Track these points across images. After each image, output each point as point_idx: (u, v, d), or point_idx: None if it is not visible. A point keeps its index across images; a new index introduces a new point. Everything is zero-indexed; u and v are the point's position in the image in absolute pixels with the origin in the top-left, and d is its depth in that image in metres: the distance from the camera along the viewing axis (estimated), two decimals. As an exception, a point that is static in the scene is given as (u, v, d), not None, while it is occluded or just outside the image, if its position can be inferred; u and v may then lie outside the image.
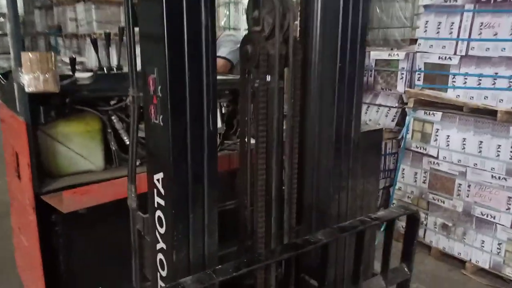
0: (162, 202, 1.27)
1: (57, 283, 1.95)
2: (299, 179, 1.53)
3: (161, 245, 1.30)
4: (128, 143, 2.19)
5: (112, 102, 2.23)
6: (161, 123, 1.22)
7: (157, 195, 1.29)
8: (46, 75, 1.87)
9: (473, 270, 3.08)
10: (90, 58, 6.62)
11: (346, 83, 1.53)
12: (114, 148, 2.17)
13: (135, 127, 1.45)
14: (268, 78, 1.38)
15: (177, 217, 1.24)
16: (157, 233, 1.32)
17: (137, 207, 1.45)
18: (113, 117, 2.20)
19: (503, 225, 2.88)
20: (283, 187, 1.50)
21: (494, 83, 3.01)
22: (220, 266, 1.17)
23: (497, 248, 2.91)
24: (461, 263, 3.16)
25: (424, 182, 3.39)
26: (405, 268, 1.71)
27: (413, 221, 1.61)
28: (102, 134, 2.12)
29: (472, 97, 3.13)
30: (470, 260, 3.09)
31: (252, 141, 1.50)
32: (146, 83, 1.26)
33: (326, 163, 1.54)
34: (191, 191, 1.25)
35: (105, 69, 2.47)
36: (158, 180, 1.28)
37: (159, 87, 1.21)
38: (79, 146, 2.05)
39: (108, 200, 1.65)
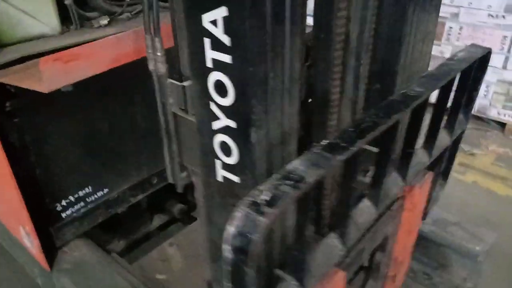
0: (224, 58, 0.83)
1: (36, 189, 1.52)
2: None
3: (223, 122, 0.90)
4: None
5: None
6: None
7: (213, 48, 0.84)
8: None
9: (456, 115, 3.09)
10: None
11: None
12: (69, 3, 1.57)
13: None
14: None
15: (255, 78, 0.82)
16: (213, 106, 0.90)
17: (168, 73, 0.99)
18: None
19: (494, 67, 2.80)
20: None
21: None
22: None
23: (485, 91, 2.88)
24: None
25: (408, 30, 3.15)
26: (464, 117, 1.51)
27: (483, 62, 1.35)
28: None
29: None
30: (454, 105, 3.07)
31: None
32: None
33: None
34: (270, 39, 0.81)
35: None
36: (213, 22, 0.81)
37: None
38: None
39: (105, 67, 1.13)
